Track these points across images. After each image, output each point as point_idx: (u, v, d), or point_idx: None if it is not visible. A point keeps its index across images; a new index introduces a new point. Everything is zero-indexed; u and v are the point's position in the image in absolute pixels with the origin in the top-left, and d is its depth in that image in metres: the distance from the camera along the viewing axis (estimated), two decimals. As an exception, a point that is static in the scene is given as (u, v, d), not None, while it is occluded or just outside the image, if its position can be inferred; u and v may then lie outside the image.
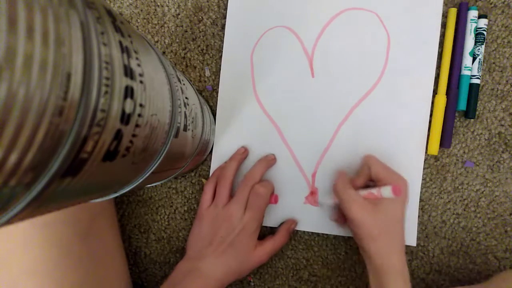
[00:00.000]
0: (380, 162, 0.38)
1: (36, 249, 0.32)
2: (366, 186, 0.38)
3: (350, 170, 0.43)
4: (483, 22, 0.42)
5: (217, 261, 0.38)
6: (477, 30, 0.42)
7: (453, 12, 0.42)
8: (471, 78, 0.42)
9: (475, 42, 0.42)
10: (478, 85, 0.42)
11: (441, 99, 0.42)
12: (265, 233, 0.44)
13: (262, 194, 0.39)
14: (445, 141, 0.42)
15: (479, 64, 0.42)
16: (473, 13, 0.42)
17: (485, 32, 0.42)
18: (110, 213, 0.41)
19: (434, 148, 0.42)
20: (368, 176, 0.39)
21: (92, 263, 0.36)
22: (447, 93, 0.42)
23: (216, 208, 0.40)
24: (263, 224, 0.44)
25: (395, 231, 0.35)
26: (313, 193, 0.43)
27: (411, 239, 0.42)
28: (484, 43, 0.42)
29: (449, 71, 0.42)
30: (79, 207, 0.35)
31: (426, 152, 0.42)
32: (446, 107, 0.42)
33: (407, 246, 0.43)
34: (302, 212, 0.43)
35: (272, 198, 0.41)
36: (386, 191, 0.35)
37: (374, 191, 0.36)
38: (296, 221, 0.43)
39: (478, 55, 0.42)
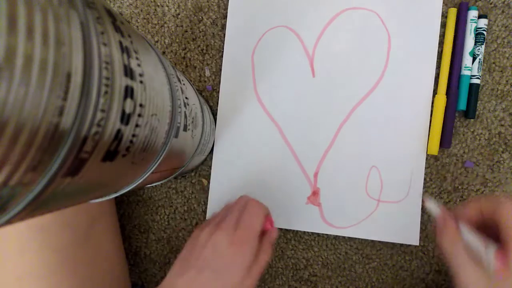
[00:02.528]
0: None
1: (32, 253, 0.31)
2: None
3: (352, 169, 0.43)
4: (483, 22, 0.42)
5: None
6: (477, 30, 0.42)
7: (453, 12, 0.42)
8: (471, 78, 0.42)
9: (475, 42, 0.42)
10: (478, 85, 0.42)
11: (441, 99, 0.42)
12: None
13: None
14: (445, 141, 0.42)
15: (479, 64, 0.42)
16: (473, 13, 0.42)
17: (485, 32, 0.42)
18: (110, 215, 0.40)
19: (434, 148, 0.42)
20: (486, 215, 0.30)
21: (89, 268, 0.35)
22: (447, 93, 0.42)
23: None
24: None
25: None
26: (315, 193, 0.43)
27: (414, 239, 0.42)
28: (484, 43, 0.42)
29: (449, 71, 0.42)
30: (78, 210, 0.34)
31: (426, 152, 0.42)
32: (446, 107, 0.42)
33: (407, 246, 0.43)
34: (303, 212, 0.43)
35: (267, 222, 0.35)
36: (489, 253, 0.26)
37: (479, 244, 0.28)
38: (276, 230, 0.36)
39: (478, 55, 0.42)
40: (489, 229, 0.29)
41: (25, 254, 0.31)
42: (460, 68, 0.42)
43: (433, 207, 0.32)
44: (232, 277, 0.30)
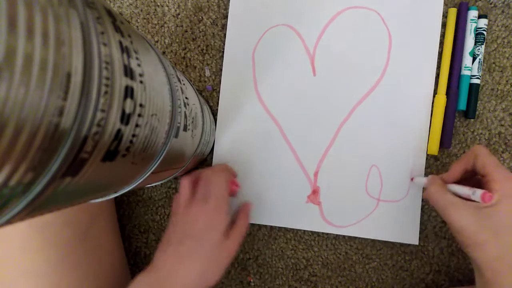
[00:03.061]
0: (491, 155, 0.32)
1: (34, 251, 0.32)
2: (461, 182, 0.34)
3: (352, 168, 0.43)
4: (483, 22, 0.42)
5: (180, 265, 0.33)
6: (477, 30, 0.42)
7: (453, 12, 0.42)
8: (471, 78, 0.42)
9: (475, 42, 0.42)
10: (478, 85, 0.42)
11: (441, 99, 0.42)
12: (264, 232, 0.44)
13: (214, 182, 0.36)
14: (445, 141, 0.42)
15: (479, 64, 0.42)
16: (473, 13, 0.42)
17: (485, 32, 0.42)
18: (110, 213, 0.40)
19: (434, 148, 0.42)
20: (468, 165, 0.33)
21: (90, 265, 0.35)
22: (447, 93, 0.42)
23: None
24: (261, 223, 0.44)
25: (510, 240, 0.29)
26: (315, 192, 0.43)
27: (414, 238, 0.42)
28: (484, 43, 0.42)
29: (449, 71, 0.42)
30: (78, 208, 0.35)
31: (426, 152, 0.42)
32: (446, 107, 0.42)
33: (407, 246, 0.43)
34: (303, 211, 0.43)
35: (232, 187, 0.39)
36: (476, 194, 0.29)
37: (466, 190, 0.31)
38: (250, 203, 0.40)
39: (478, 55, 0.42)
40: (476, 185, 0.32)
41: (27, 251, 0.32)
42: (460, 68, 0.42)
43: (421, 179, 0.36)
44: (211, 241, 0.33)
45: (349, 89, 0.43)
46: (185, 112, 0.27)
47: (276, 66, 0.44)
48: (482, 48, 0.42)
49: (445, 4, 0.43)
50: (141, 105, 0.18)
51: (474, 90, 0.42)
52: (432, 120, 0.42)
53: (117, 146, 0.16)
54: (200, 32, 0.45)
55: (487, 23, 0.42)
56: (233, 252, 0.35)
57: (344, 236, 0.44)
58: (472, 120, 0.43)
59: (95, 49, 0.14)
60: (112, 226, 0.40)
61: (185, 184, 0.36)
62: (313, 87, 0.44)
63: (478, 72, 0.42)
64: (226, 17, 0.44)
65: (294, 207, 0.43)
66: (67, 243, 0.33)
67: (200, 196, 0.35)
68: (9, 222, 0.13)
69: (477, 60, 0.42)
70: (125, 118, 0.16)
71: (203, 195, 0.35)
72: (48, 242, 0.32)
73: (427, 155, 0.43)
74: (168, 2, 0.45)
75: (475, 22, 0.42)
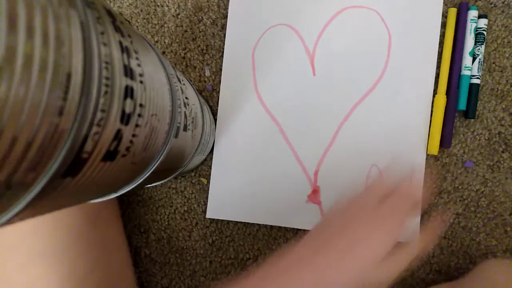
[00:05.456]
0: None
1: (46, 233, 0.32)
2: None
3: (353, 168, 0.43)
4: (483, 22, 0.42)
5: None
6: (477, 30, 0.42)
7: (453, 12, 0.42)
8: (471, 78, 0.42)
9: (475, 42, 0.42)
10: (478, 85, 0.42)
11: (441, 99, 0.42)
12: (264, 232, 0.44)
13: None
14: (445, 141, 0.42)
15: (479, 64, 0.42)
16: (473, 13, 0.42)
17: (485, 32, 0.42)
18: (114, 204, 0.41)
19: (434, 148, 0.42)
20: None
21: (100, 251, 0.36)
22: (447, 93, 0.42)
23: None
24: (261, 223, 0.44)
25: None
26: (315, 191, 0.43)
27: (414, 237, 0.42)
28: (484, 43, 0.42)
29: (449, 71, 0.42)
30: None
31: (426, 152, 0.42)
32: (446, 107, 0.42)
33: (407, 246, 0.43)
34: (303, 211, 0.43)
35: None
36: None
37: None
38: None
39: (478, 55, 0.42)
40: None
41: (39, 233, 0.32)
42: (460, 68, 0.42)
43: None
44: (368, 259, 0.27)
45: (349, 89, 0.43)
46: (185, 112, 0.27)
47: (276, 65, 0.44)
48: (482, 48, 0.42)
49: (445, 4, 0.43)
50: (141, 105, 0.18)
51: (474, 90, 0.42)
52: (432, 120, 0.42)
53: (117, 146, 0.16)
54: (200, 32, 0.45)
55: (487, 23, 0.42)
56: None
57: (344, 236, 0.44)
58: (472, 120, 0.43)
59: (95, 49, 0.14)
60: (116, 219, 0.41)
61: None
62: (313, 86, 0.44)
63: (478, 72, 0.42)
64: (226, 17, 0.44)
65: (294, 206, 0.43)
66: (79, 226, 0.34)
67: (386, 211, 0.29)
68: (9, 222, 0.13)
69: (477, 60, 0.42)
70: (125, 118, 0.16)
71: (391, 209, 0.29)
72: (60, 225, 0.32)
73: (427, 155, 0.43)
74: (168, 2, 0.45)
75: (475, 22, 0.42)
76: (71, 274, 0.32)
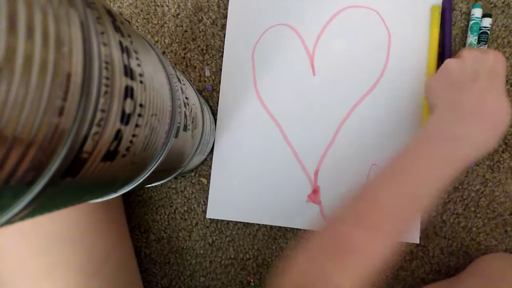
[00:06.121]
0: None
1: (64, 216, 0.32)
2: None
3: (353, 167, 0.43)
4: (487, 22, 0.41)
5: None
6: (481, 29, 0.42)
7: (436, 8, 0.42)
8: None
9: (479, 41, 0.42)
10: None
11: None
12: (264, 232, 0.44)
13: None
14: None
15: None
16: (477, 12, 0.41)
17: (489, 32, 0.42)
18: (119, 200, 0.42)
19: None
20: None
21: (117, 235, 0.37)
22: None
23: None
24: (262, 223, 0.44)
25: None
26: (315, 191, 0.43)
27: (414, 236, 0.42)
28: (487, 43, 0.42)
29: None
30: None
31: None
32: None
33: (407, 246, 0.43)
34: (304, 211, 0.43)
35: None
36: None
37: None
38: None
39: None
40: None
41: (57, 217, 0.32)
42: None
43: None
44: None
45: (349, 88, 0.43)
46: (185, 112, 0.27)
47: (275, 65, 0.44)
48: (485, 48, 0.41)
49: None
50: (141, 105, 0.18)
51: None
52: (423, 116, 0.42)
53: (117, 146, 0.16)
54: (200, 32, 0.45)
55: (491, 22, 0.42)
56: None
57: (344, 236, 0.44)
58: (472, 120, 0.43)
59: (95, 49, 0.14)
60: (121, 214, 0.42)
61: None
62: (313, 86, 0.44)
63: None
64: (226, 17, 0.44)
65: (295, 206, 0.43)
66: (95, 211, 0.34)
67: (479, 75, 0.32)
68: (9, 222, 0.13)
69: None
70: (125, 118, 0.16)
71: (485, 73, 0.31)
72: (78, 208, 0.33)
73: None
74: (168, 2, 0.45)
75: (477, 20, 0.41)
76: (90, 258, 0.33)
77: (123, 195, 0.45)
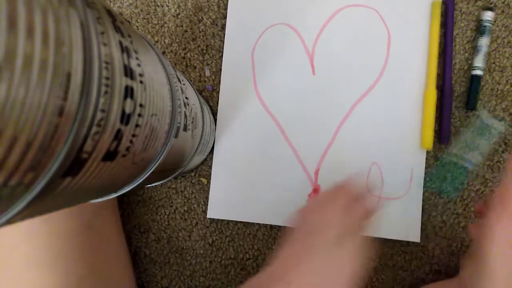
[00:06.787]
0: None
1: (40, 241, 0.32)
2: None
3: (353, 166, 0.43)
4: (487, 15, 0.41)
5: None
6: (480, 22, 0.42)
7: (437, 4, 0.42)
8: (473, 69, 0.42)
9: (477, 32, 0.42)
10: (479, 76, 0.42)
11: (430, 94, 0.42)
12: (264, 232, 0.44)
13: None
14: (443, 137, 0.42)
15: (483, 56, 0.41)
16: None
17: (488, 24, 0.41)
18: (113, 207, 0.41)
19: (428, 143, 0.41)
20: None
21: (96, 256, 0.36)
22: (443, 88, 0.42)
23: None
24: (262, 222, 0.44)
25: None
26: (316, 190, 0.43)
27: (415, 235, 0.42)
28: (489, 37, 0.42)
29: (443, 65, 0.42)
30: None
31: (426, 150, 0.42)
32: (442, 102, 0.42)
33: (407, 246, 0.43)
34: (302, 212, 0.43)
35: None
36: None
37: None
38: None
39: (480, 46, 0.41)
40: None
41: (32, 241, 0.32)
42: (452, 60, 0.42)
43: None
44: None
45: (349, 87, 0.43)
46: (185, 112, 0.27)
47: (275, 65, 0.44)
48: (483, 40, 0.41)
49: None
50: (141, 105, 0.18)
51: (475, 80, 0.42)
52: (423, 115, 0.42)
53: (117, 146, 0.16)
54: (200, 32, 0.45)
55: (492, 16, 0.42)
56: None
57: (344, 236, 0.44)
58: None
59: (95, 49, 0.14)
60: (115, 220, 0.41)
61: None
62: (313, 86, 0.44)
63: (479, 63, 0.41)
64: (226, 17, 0.44)
65: (295, 206, 0.43)
66: (72, 234, 0.34)
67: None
68: (9, 222, 0.13)
69: (481, 52, 0.41)
70: (125, 118, 0.16)
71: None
72: (53, 232, 0.33)
73: (428, 154, 0.43)
74: (168, 2, 0.45)
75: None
76: (64, 281, 0.33)
77: (124, 195, 0.45)
